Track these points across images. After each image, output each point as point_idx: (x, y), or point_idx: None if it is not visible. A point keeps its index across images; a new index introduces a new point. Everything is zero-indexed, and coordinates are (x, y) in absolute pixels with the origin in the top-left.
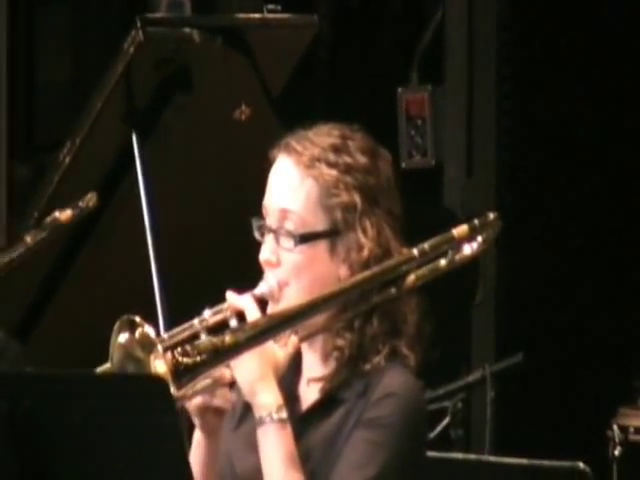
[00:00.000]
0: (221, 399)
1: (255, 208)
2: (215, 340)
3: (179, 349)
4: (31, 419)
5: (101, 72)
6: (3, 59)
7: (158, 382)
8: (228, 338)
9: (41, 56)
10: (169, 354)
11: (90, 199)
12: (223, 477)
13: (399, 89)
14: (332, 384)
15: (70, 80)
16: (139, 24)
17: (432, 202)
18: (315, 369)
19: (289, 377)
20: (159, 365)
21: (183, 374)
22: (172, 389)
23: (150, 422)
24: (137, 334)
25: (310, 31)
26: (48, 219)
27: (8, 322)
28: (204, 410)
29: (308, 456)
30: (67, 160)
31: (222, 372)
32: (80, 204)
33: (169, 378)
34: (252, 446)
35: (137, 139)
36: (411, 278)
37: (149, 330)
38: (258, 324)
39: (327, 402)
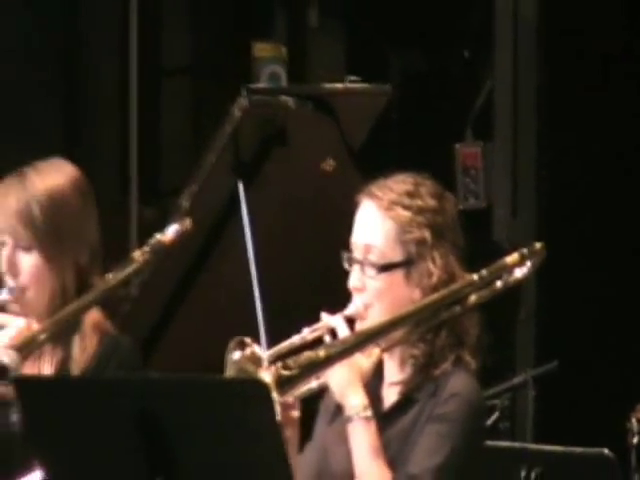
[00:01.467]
0: (289, 421)
1: (342, 243)
2: (312, 354)
3: (282, 363)
4: (156, 414)
5: (214, 131)
6: (134, 124)
7: (261, 386)
8: (322, 352)
9: (166, 120)
10: (274, 368)
11: (187, 222)
12: (318, 466)
13: (457, 144)
14: (408, 387)
15: (189, 138)
16: (245, 93)
17: (483, 237)
18: (394, 374)
19: (373, 381)
20: (266, 377)
21: (285, 383)
22: (276, 397)
23: (254, 420)
24: (247, 352)
25: (384, 97)
26: (152, 240)
27: (139, 329)
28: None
29: (388, 446)
30: (186, 204)
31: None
32: (179, 226)
33: (273, 387)
34: (343, 439)
35: (242, 186)
36: (473, 298)
37: (257, 348)
38: (347, 340)
39: (404, 402)
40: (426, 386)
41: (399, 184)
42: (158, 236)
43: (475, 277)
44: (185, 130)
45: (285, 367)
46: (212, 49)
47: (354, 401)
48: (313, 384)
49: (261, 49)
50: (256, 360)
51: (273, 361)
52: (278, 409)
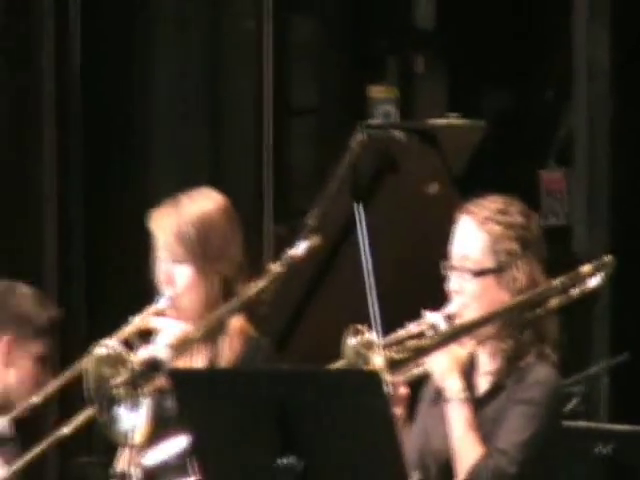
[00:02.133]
0: (398, 399)
1: (442, 254)
2: (417, 342)
3: (392, 348)
4: (287, 400)
5: (336, 161)
6: (269, 155)
7: (376, 377)
8: (426, 341)
9: (295, 151)
10: (385, 351)
11: (315, 240)
12: (421, 446)
13: (541, 171)
14: (498, 376)
15: (315, 167)
16: (362, 128)
17: (564, 251)
18: (486, 365)
19: (469, 371)
20: (378, 359)
21: (395, 365)
22: (387, 376)
23: (370, 406)
24: (362, 338)
25: (480, 131)
26: (286, 255)
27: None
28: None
29: (481, 428)
30: (312, 223)
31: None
32: (309, 242)
33: (385, 368)
34: (443, 421)
35: (360, 208)
36: (553, 303)
37: (370, 334)
38: (446, 332)
39: (494, 389)
40: (513, 375)
41: (492, 203)
42: (291, 251)
43: (555, 283)
44: (311, 160)
45: (395, 352)
46: (334, 92)
47: (452, 385)
48: (417, 370)
49: (376, 91)
50: (369, 345)
51: (384, 347)
52: (390, 390)
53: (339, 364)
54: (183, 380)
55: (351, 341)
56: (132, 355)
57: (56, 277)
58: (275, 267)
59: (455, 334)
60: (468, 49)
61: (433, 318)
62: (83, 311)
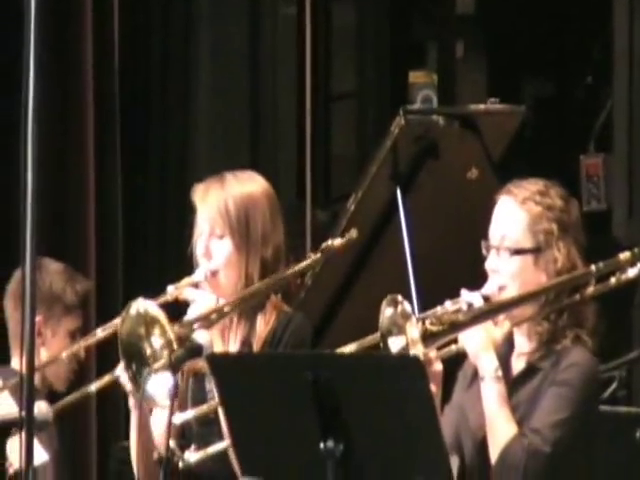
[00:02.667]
0: (433, 375)
1: (481, 236)
2: (453, 316)
3: (428, 321)
4: (326, 384)
5: (376, 146)
6: (309, 141)
7: (415, 360)
8: (462, 316)
9: (335, 136)
10: (421, 323)
11: (353, 232)
12: (457, 424)
13: (581, 156)
14: (533, 357)
15: (355, 152)
16: (402, 113)
17: (604, 236)
18: (522, 346)
19: (504, 351)
20: (413, 330)
21: (429, 337)
22: (421, 348)
23: (410, 389)
24: (399, 308)
25: (519, 116)
26: (324, 245)
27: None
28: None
29: (517, 408)
30: (352, 207)
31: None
32: (346, 236)
33: (420, 340)
34: (479, 400)
35: (401, 193)
36: (590, 290)
37: (407, 305)
38: (482, 308)
39: (530, 370)
40: (549, 358)
41: (533, 185)
42: (330, 242)
43: (593, 267)
44: (352, 145)
45: (431, 324)
46: (375, 77)
47: (487, 363)
48: (452, 347)
49: (416, 76)
50: (406, 316)
51: (420, 319)
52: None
53: (375, 335)
54: (222, 365)
55: (388, 311)
56: (166, 318)
57: (94, 247)
58: (313, 255)
59: (491, 311)
60: (508, 34)
61: (470, 297)
62: (120, 281)
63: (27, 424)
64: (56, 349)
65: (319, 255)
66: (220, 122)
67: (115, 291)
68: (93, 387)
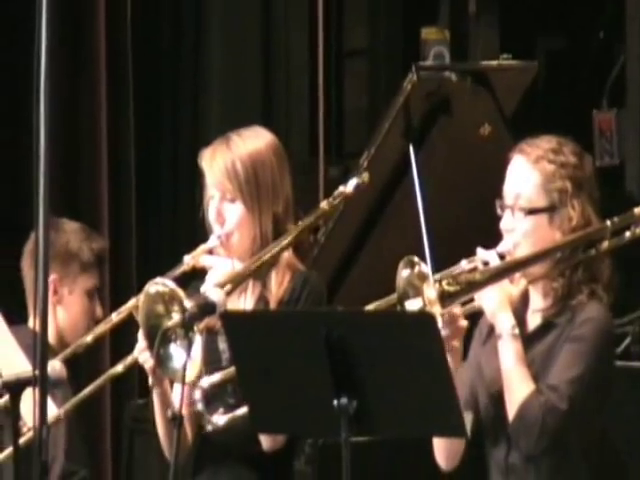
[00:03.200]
0: (456, 330)
1: (494, 194)
2: (470, 276)
3: (445, 281)
4: (340, 341)
5: (388, 102)
6: (321, 97)
7: (429, 317)
8: (478, 275)
9: (348, 93)
10: (438, 284)
11: (365, 176)
12: (473, 380)
13: (594, 111)
14: (549, 313)
15: (367, 107)
16: (414, 69)
17: (618, 190)
18: (538, 303)
19: (520, 308)
20: (430, 291)
21: (447, 297)
22: (439, 309)
23: (423, 347)
24: (416, 269)
25: (532, 72)
26: (336, 192)
27: (325, 269)
28: (447, 339)
29: (532, 364)
30: (365, 164)
31: (454, 311)
32: (358, 179)
33: (437, 300)
34: (495, 355)
35: (413, 149)
36: (605, 244)
37: (424, 266)
38: (498, 267)
39: (545, 326)
40: (564, 313)
41: (545, 142)
42: (341, 188)
43: (608, 223)
44: (364, 101)
45: (448, 284)
46: (386, 33)
47: (504, 320)
48: (474, 305)
49: (428, 32)
50: (423, 277)
51: (437, 280)
52: (443, 323)
53: (392, 297)
54: (235, 322)
55: (405, 272)
56: (184, 294)
57: (107, 212)
58: (325, 204)
59: (507, 269)
60: None
61: (485, 255)
62: (134, 246)
63: (41, 382)
64: (73, 307)
65: (332, 202)
66: (232, 79)
67: (129, 251)
68: (120, 368)
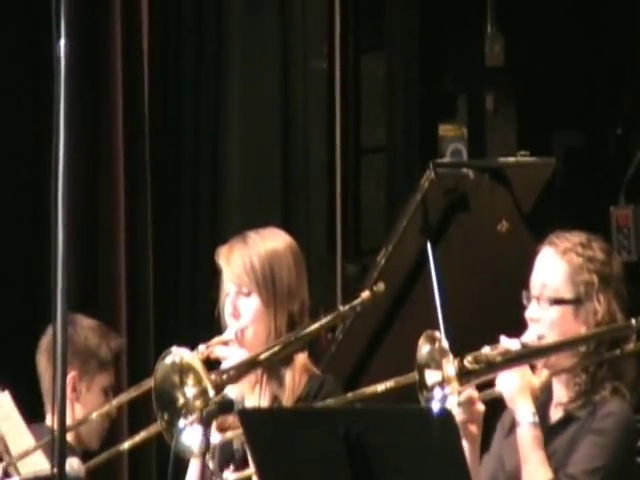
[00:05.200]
0: (473, 413)
1: (514, 289)
2: (490, 357)
3: (465, 359)
4: (359, 439)
5: (406, 200)
6: (339, 194)
7: (448, 414)
8: (499, 358)
9: (365, 190)
10: (457, 361)
11: (380, 286)
12: (494, 472)
13: (611, 207)
14: (571, 407)
15: (385, 204)
16: (431, 166)
17: (634, 287)
18: (561, 396)
19: (544, 401)
20: (450, 367)
21: (465, 375)
22: (457, 386)
23: (439, 441)
24: (436, 345)
25: (550, 168)
26: (355, 302)
27: (343, 367)
28: (464, 423)
29: (554, 456)
30: (382, 261)
31: (472, 394)
32: (375, 289)
33: (455, 378)
34: (517, 449)
35: (431, 246)
36: (630, 347)
37: (444, 343)
38: (520, 351)
39: (567, 419)
40: (586, 407)
41: (575, 236)
42: (358, 295)
43: (633, 321)
44: (381, 198)
45: (467, 362)
46: (404, 130)
47: (523, 407)
48: (494, 390)
49: (445, 129)
50: (443, 352)
51: (457, 357)
52: (461, 400)
53: (411, 375)
54: (253, 419)
55: (425, 347)
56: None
57: (125, 307)
58: (342, 308)
59: (528, 355)
60: (537, 87)
61: (509, 343)
62: (152, 341)
63: None
64: (90, 405)
65: (347, 308)
66: (251, 176)
67: (147, 349)
68: (126, 445)
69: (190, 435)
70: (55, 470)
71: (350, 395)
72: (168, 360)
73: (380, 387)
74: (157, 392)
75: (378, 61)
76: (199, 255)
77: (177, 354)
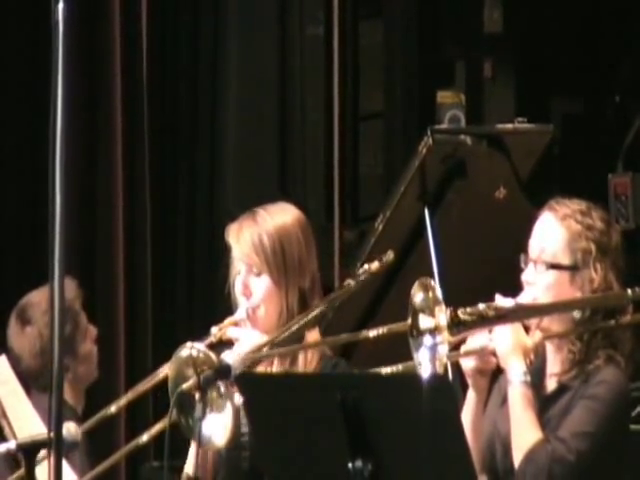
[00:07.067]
0: (485, 362)
1: (509, 256)
2: (483, 311)
3: (458, 310)
4: (356, 405)
5: (404, 166)
6: (337, 161)
7: (444, 380)
8: (491, 312)
9: (363, 156)
10: (450, 310)
11: (389, 255)
12: (490, 439)
13: (609, 175)
14: (565, 376)
15: (383, 170)
16: (429, 133)
17: (631, 254)
18: (555, 366)
19: (539, 369)
20: (442, 317)
21: (457, 326)
22: (448, 335)
23: (435, 407)
24: (430, 294)
25: (547, 135)
26: (361, 270)
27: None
28: (474, 372)
29: (548, 424)
30: (380, 227)
31: (487, 344)
32: (383, 259)
33: (447, 327)
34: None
35: (428, 212)
36: (627, 318)
37: (438, 291)
38: (512, 308)
39: (561, 389)
40: (580, 376)
41: (575, 204)
42: (366, 266)
43: (628, 291)
44: (379, 165)
45: (461, 313)
46: (402, 97)
47: (514, 366)
48: (484, 341)
49: (443, 96)
50: (436, 301)
51: (451, 309)
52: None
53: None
54: (251, 384)
55: (419, 296)
56: (215, 357)
57: (123, 300)
58: (350, 282)
59: (521, 312)
60: (536, 54)
61: (503, 302)
62: (150, 322)
63: (56, 445)
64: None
65: (357, 283)
66: (248, 143)
67: (144, 335)
68: (145, 437)
69: (210, 425)
70: (52, 434)
71: (345, 336)
72: (181, 355)
73: (372, 332)
74: (172, 388)
75: (376, 28)
76: (197, 229)
77: (189, 348)
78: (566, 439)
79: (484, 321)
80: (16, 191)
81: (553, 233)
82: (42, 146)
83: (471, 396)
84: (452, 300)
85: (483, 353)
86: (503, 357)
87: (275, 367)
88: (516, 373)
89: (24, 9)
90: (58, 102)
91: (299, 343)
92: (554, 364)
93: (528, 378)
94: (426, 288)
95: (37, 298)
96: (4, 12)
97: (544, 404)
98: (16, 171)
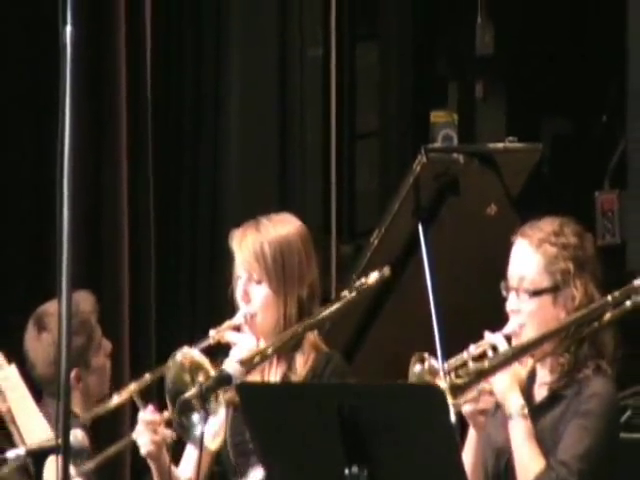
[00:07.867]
0: (484, 403)
1: (501, 273)
2: (479, 365)
3: (454, 373)
4: (352, 413)
5: (398, 183)
6: (334, 177)
7: (437, 392)
8: (487, 364)
9: (359, 173)
10: (448, 377)
11: (386, 270)
12: (483, 449)
13: (596, 192)
14: (556, 386)
15: (378, 187)
16: (423, 151)
17: (619, 268)
18: (544, 377)
19: (528, 382)
20: (441, 385)
21: (457, 389)
22: (450, 400)
23: (431, 419)
24: (426, 365)
25: (537, 154)
26: (358, 283)
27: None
28: (474, 413)
29: (541, 435)
30: (376, 242)
31: (483, 386)
32: (380, 273)
33: (448, 393)
34: (504, 426)
35: (422, 228)
36: (607, 316)
37: (434, 362)
38: (507, 353)
39: (553, 398)
40: (571, 387)
41: (547, 225)
42: (363, 280)
43: (609, 298)
44: (375, 182)
45: (457, 376)
46: (397, 116)
47: (514, 402)
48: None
49: (436, 116)
50: (433, 372)
51: (447, 372)
52: (452, 411)
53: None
54: (251, 394)
55: (415, 368)
56: (210, 365)
57: (128, 298)
58: (346, 294)
59: (514, 355)
60: (526, 75)
61: (493, 338)
62: (152, 331)
63: (63, 451)
64: (102, 372)
65: (355, 294)
66: (249, 160)
67: (148, 334)
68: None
69: (208, 427)
70: (60, 441)
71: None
72: (178, 359)
73: None
74: (170, 392)
75: (372, 49)
76: (199, 237)
77: (186, 353)
78: (567, 462)
79: (481, 375)
80: (28, 204)
81: (530, 261)
82: (49, 158)
83: (472, 435)
84: (447, 314)
85: (481, 395)
86: (501, 395)
87: (273, 368)
88: (515, 408)
89: (32, 32)
90: (66, 121)
91: (297, 346)
92: (544, 375)
93: (526, 410)
94: (422, 360)
95: (54, 308)
96: (12, 33)
97: (536, 414)
98: (31, 187)
